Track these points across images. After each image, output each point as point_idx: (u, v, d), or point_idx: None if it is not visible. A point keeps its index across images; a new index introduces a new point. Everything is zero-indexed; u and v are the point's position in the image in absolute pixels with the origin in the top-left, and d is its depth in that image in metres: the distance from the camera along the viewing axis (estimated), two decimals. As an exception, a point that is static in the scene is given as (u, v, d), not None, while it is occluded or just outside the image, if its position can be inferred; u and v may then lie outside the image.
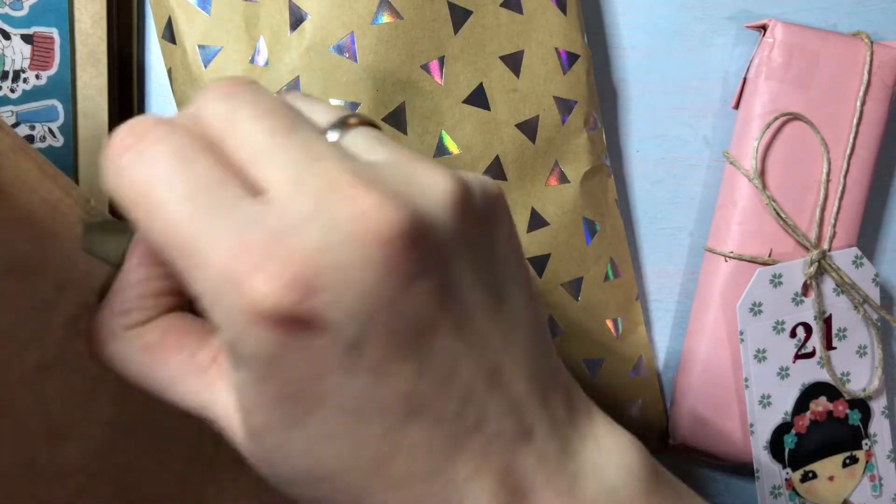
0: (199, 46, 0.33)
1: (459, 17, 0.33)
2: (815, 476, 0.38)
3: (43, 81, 0.35)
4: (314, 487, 0.18)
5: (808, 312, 0.37)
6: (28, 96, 0.35)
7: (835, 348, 0.38)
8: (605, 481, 0.20)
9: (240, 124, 0.17)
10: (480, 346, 0.18)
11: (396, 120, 0.33)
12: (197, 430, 0.24)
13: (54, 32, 0.35)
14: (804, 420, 0.38)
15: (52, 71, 0.35)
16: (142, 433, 0.24)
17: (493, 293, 0.19)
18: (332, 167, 0.16)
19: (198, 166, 0.16)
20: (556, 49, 0.35)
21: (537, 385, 0.20)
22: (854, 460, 0.38)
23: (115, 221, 0.22)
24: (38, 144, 0.35)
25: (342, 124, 0.19)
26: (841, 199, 0.37)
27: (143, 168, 0.17)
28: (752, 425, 0.37)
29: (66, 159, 0.35)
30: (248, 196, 0.16)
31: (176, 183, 0.16)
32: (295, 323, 0.16)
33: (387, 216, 0.16)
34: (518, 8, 0.34)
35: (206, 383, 0.19)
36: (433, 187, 0.17)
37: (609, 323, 0.38)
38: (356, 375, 0.17)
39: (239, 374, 0.17)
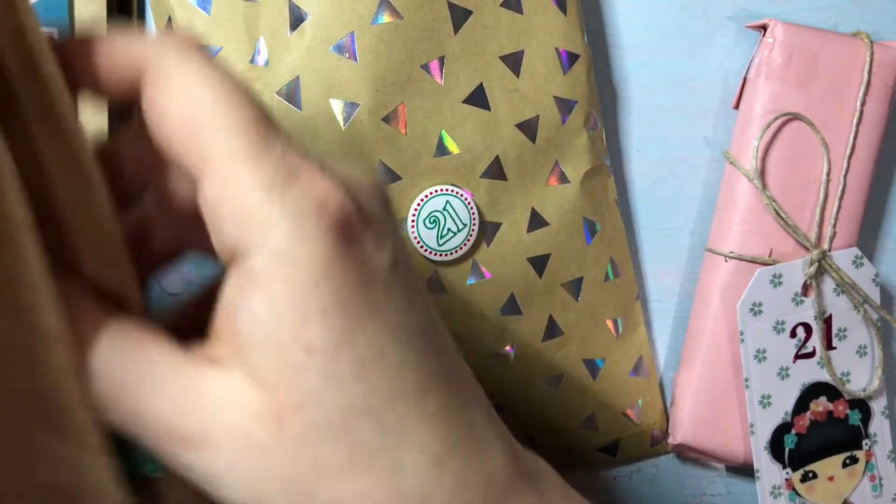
0: (199, 46, 0.33)
1: (459, 17, 0.33)
2: (815, 476, 0.38)
3: (43, 81, 0.35)
4: (355, 429, 0.17)
5: (808, 312, 0.37)
6: (28, 96, 0.35)
7: (835, 348, 0.38)
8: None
9: None
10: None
11: (396, 120, 0.33)
12: None
13: (54, 32, 0.35)
14: (804, 420, 0.38)
15: (52, 71, 0.35)
16: None
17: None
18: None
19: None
20: (556, 49, 0.35)
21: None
22: (854, 460, 0.38)
23: None
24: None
25: None
26: (841, 198, 0.37)
27: None
28: (752, 425, 0.37)
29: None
30: None
31: None
32: (351, 224, 0.17)
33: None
34: (518, 8, 0.34)
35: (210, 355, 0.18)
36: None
37: (609, 323, 0.38)
38: (393, 293, 0.18)
39: (292, 282, 0.17)
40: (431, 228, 0.34)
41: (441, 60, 0.33)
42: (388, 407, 0.17)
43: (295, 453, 0.17)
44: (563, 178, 0.36)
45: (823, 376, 0.38)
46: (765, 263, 0.37)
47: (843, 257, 0.37)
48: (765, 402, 0.37)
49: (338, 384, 0.17)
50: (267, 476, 0.17)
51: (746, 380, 0.37)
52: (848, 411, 0.38)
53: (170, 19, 0.34)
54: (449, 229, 0.34)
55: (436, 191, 0.34)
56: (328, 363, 0.17)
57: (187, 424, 0.17)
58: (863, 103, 0.37)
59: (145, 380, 0.17)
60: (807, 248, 0.37)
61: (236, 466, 0.17)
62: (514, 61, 0.34)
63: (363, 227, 0.18)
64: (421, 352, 0.18)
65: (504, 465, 0.19)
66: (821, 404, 0.38)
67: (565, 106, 0.35)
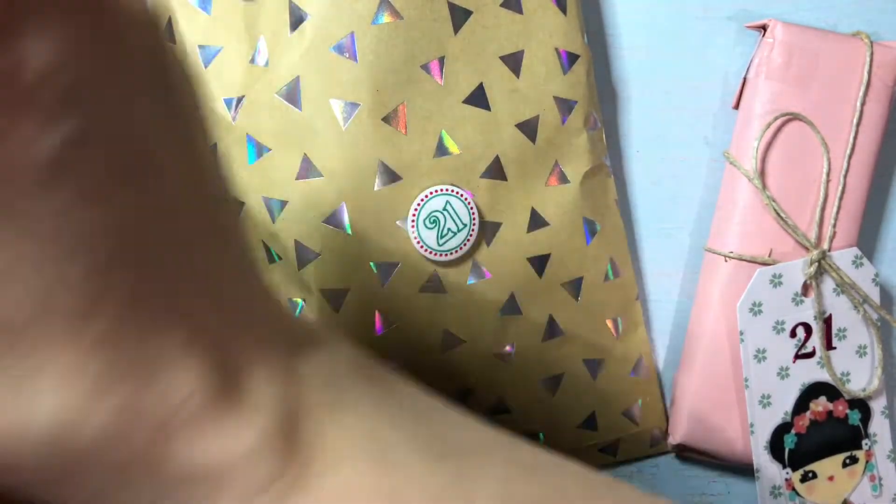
0: (200, 46, 0.33)
1: (459, 17, 0.33)
2: (815, 476, 0.38)
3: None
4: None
5: (808, 312, 0.37)
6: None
7: (835, 348, 0.38)
8: (323, 355, 0.18)
9: None
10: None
11: (396, 120, 0.33)
12: None
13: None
14: (804, 420, 0.38)
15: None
16: None
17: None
18: None
19: None
20: (556, 49, 0.35)
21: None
22: (854, 460, 0.38)
23: None
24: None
25: None
26: (841, 198, 0.37)
27: None
28: (751, 425, 0.37)
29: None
30: None
31: None
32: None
33: None
34: (518, 8, 0.34)
35: None
36: None
37: (609, 323, 0.38)
38: (51, 194, 0.13)
39: None
40: (431, 228, 0.34)
41: (441, 60, 0.33)
42: (23, 331, 0.14)
43: None
44: (563, 178, 0.36)
45: (823, 376, 0.38)
46: (765, 263, 0.37)
47: (843, 257, 0.37)
48: (764, 401, 0.37)
49: None
50: None
51: (746, 380, 0.37)
52: (848, 411, 0.38)
53: (170, 19, 0.34)
54: (449, 229, 0.34)
55: (436, 191, 0.34)
56: None
57: None
58: (863, 103, 0.37)
59: None
60: (807, 248, 0.37)
61: None
62: (514, 61, 0.34)
63: (21, 101, 0.13)
64: (93, 266, 0.14)
65: (195, 392, 0.16)
66: (820, 404, 0.38)
67: (565, 106, 0.35)
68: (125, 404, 0.15)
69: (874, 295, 0.38)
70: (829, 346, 0.38)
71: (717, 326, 0.37)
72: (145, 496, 0.16)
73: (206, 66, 0.33)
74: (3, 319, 0.14)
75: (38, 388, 0.14)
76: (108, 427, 0.15)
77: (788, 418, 0.37)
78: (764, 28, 0.37)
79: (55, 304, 0.14)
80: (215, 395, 0.16)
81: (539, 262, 0.36)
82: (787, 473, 0.38)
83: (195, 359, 0.16)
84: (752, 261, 0.37)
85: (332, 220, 0.33)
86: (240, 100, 0.33)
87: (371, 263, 0.33)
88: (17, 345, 0.14)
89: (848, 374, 0.38)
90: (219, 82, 0.33)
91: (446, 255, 0.34)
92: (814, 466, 0.38)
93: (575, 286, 0.36)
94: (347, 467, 0.17)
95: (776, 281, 0.37)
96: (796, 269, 0.37)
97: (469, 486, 0.18)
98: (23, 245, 0.13)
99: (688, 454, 0.40)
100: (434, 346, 0.35)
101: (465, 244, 0.34)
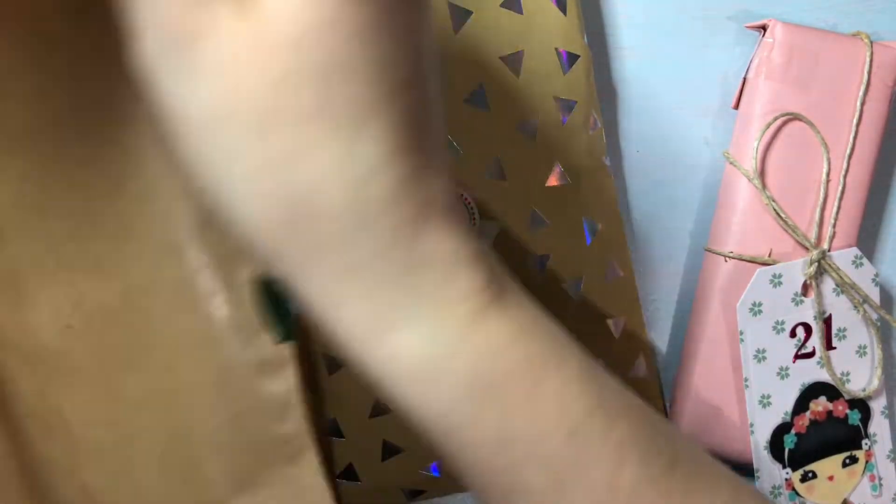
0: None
1: (459, 17, 0.33)
2: (814, 476, 0.38)
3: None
4: (334, 88, 0.17)
5: (807, 312, 0.37)
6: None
7: (834, 348, 0.38)
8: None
9: None
10: None
11: (396, 120, 0.33)
12: None
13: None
14: (804, 420, 0.38)
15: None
16: None
17: None
18: None
19: None
20: (556, 49, 0.35)
21: None
22: (854, 460, 0.38)
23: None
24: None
25: None
26: (841, 199, 0.37)
27: None
28: (751, 425, 0.37)
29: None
30: None
31: None
32: None
33: None
34: (518, 8, 0.34)
35: None
36: None
37: (609, 323, 0.38)
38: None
39: None
40: (431, 228, 0.34)
41: (441, 60, 0.33)
42: (369, 86, 0.17)
43: (266, 89, 0.17)
44: (563, 178, 0.36)
45: (823, 376, 0.38)
46: (764, 263, 0.37)
47: (843, 257, 0.37)
48: (764, 401, 0.37)
49: (335, 35, 0.17)
50: (236, 108, 0.17)
51: (746, 380, 0.37)
52: (847, 411, 0.38)
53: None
54: (449, 229, 0.34)
55: (436, 191, 0.34)
56: (329, 19, 0.17)
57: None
58: (863, 103, 0.37)
59: None
60: (806, 248, 0.37)
61: (219, 64, 0.17)
62: (514, 61, 0.34)
63: None
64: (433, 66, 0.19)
65: (447, 189, 0.19)
66: (820, 404, 0.38)
67: (565, 106, 0.35)
68: (416, 167, 0.18)
69: (874, 295, 0.38)
70: (828, 346, 0.38)
71: (717, 326, 0.37)
72: (395, 270, 0.18)
73: (206, 66, 0.33)
74: (356, 73, 0.17)
75: (365, 136, 0.17)
76: (401, 181, 0.18)
77: (788, 418, 0.37)
78: (764, 28, 0.37)
79: (394, 77, 0.18)
80: (456, 203, 0.19)
81: (539, 262, 0.36)
82: (787, 473, 0.38)
83: (448, 172, 0.19)
84: (752, 261, 0.37)
85: (332, 220, 0.33)
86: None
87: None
88: (360, 96, 0.17)
89: (848, 374, 0.38)
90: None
91: (446, 255, 0.34)
92: (814, 466, 0.38)
93: (575, 286, 0.36)
94: (532, 308, 0.21)
95: (776, 281, 0.37)
96: (796, 269, 0.37)
97: (608, 394, 0.22)
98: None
99: (688, 454, 0.40)
100: (434, 346, 0.35)
101: (465, 244, 0.34)
